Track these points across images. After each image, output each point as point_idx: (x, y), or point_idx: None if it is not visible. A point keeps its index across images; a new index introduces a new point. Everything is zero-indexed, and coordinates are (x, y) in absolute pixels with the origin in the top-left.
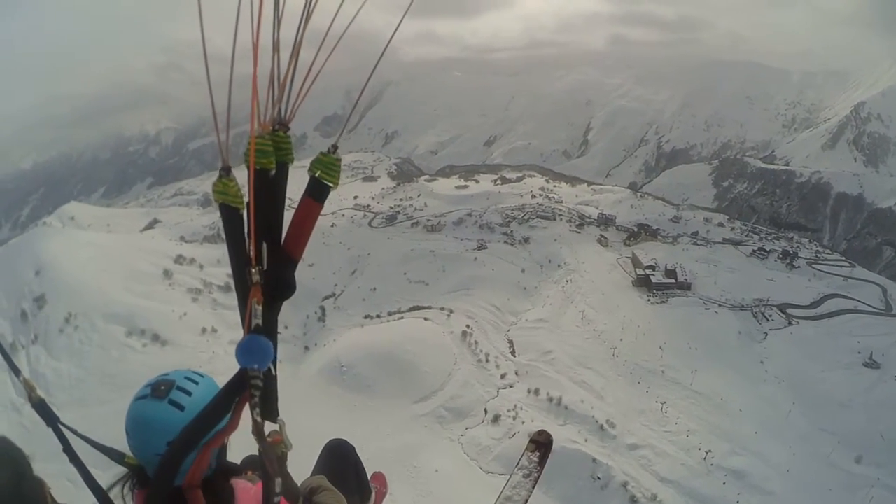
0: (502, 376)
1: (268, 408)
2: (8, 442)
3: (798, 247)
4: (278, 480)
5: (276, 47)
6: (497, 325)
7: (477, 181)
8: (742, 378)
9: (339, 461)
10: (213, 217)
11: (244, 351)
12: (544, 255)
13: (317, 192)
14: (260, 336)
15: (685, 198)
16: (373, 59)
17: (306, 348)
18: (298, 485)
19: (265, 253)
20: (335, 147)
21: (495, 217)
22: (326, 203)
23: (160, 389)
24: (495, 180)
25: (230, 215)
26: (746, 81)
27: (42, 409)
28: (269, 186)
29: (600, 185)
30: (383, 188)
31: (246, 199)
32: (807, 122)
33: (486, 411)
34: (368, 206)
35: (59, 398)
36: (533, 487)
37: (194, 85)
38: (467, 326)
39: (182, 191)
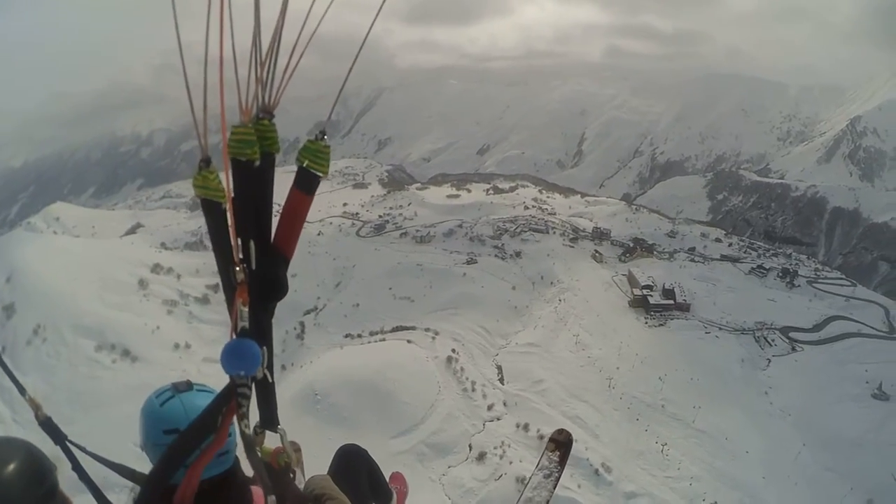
0: (489, 407)
1: (267, 417)
2: (40, 456)
3: (797, 264)
4: (272, 498)
5: (256, 27)
6: (485, 349)
7: (469, 190)
8: (747, 413)
9: (351, 466)
10: (199, 222)
11: (229, 356)
12: (536, 272)
13: (305, 183)
14: (246, 339)
15: (679, 210)
16: (369, 65)
17: (283, 367)
18: (302, 484)
19: (253, 251)
20: (323, 133)
21: (486, 229)
22: (314, 210)
23: (181, 385)
24: (488, 190)
25: (212, 210)
26: (742, 94)
27: (49, 426)
28: (253, 179)
29: (594, 196)
30: (373, 196)
31: (231, 194)
32: (802, 136)
33: (470, 447)
34: (357, 214)
35: (24, 415)
36: (554, 488)
37: (191, 87)
38: (453, 351)
39: (171, 193)
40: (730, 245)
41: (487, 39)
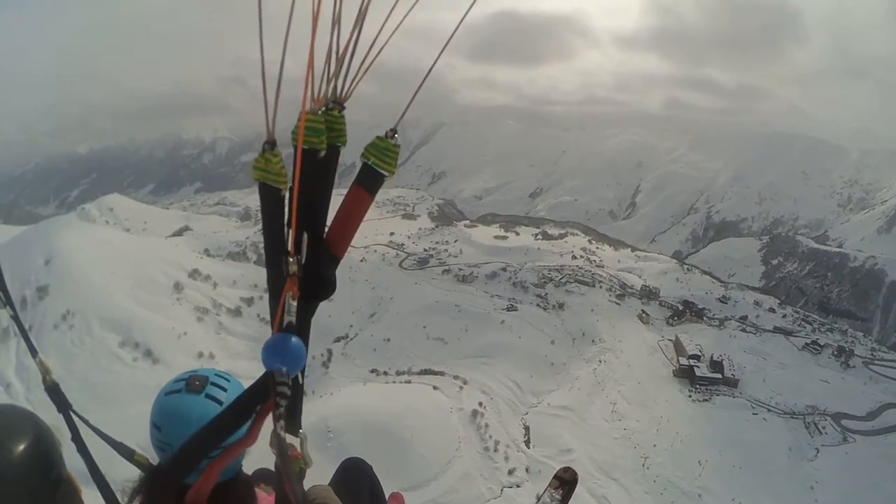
0: (510, 472)
1: (290, 420)
2: (49, 437)
3: (853, 342)
4: None
5: (336, 16)
6: (514, 406)
7: (517, 233)
8: None
9: (354, 480)
10: (247, 233)
11: (273, 351)
12: (578, 327)
13: (368, 182)
14: (292, 336)
15: (731, 273)
16: (430, 98)
17: (304, 393)
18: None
19: (305, 244)
20: (393, 132)
21: (531, 276)
22: (360, 236)
23: (195, 384)
24: (536, 235)
25: (270, 196)
26: (803, 156)
27: (55, 393)
28: (317, 169)
29: (644, 251)
30: (421, 228)
31: (290, 182)
32: (863, 203)
33: None
34: (402, 245)
35: (37, 395)
36: None
37: (256, 100)
38: (480, 404)
39: (225, 201)
40: (784, 316)
41: (547, 82)
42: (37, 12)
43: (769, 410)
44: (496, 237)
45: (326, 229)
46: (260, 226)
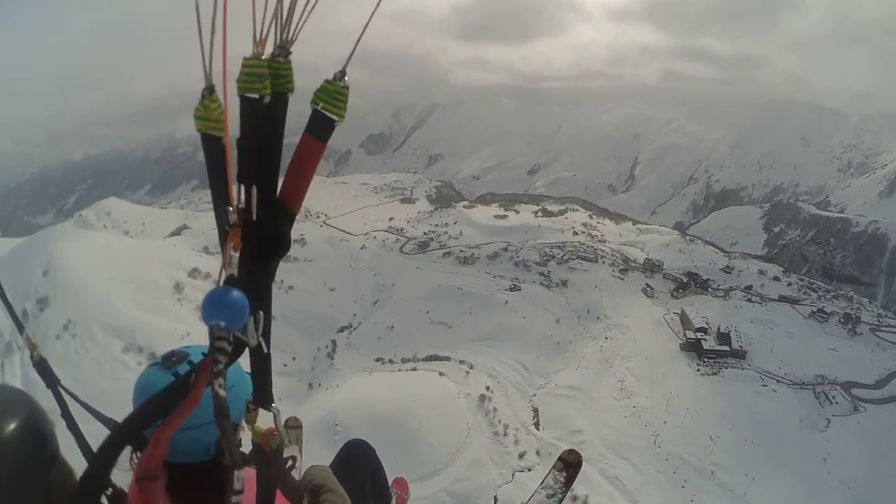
0: (521, 455)
1: (261, 392)
2: (43, 416)
3: (859, 308)
4: (238, 474)
5: None
6: (522, 389)
7: (517, 211)
8: (803, 484)
9: (356, 462)
10: None
11: (210, 304)
12: (583, 304)
13: (318, 128)
14: (233, 289)
15: (734, 242)
16: (423, 81)
17: (310, 386)
18: (301, 476)
19: (255, 199)
20: (342, 73)
21: (532, 254)
22: (361, 223)
23: (171, 360)
24: (536, 212)
25: (212, 146)
26: (802, 122)
27: (42, 368)
28: (261, 118)
29: (646, 224)
30: (420, 212)
31: (236, 133)
32: (863, 168)
33: (495, 500)
34: (402, 229)
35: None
36: None
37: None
38: (487, 388)
39: None
40: (788, 284)
41: (540, 59)
42: (25, 23)
43: (778, 381)
44: (496, 217)
45: (280, 184)
46: None
